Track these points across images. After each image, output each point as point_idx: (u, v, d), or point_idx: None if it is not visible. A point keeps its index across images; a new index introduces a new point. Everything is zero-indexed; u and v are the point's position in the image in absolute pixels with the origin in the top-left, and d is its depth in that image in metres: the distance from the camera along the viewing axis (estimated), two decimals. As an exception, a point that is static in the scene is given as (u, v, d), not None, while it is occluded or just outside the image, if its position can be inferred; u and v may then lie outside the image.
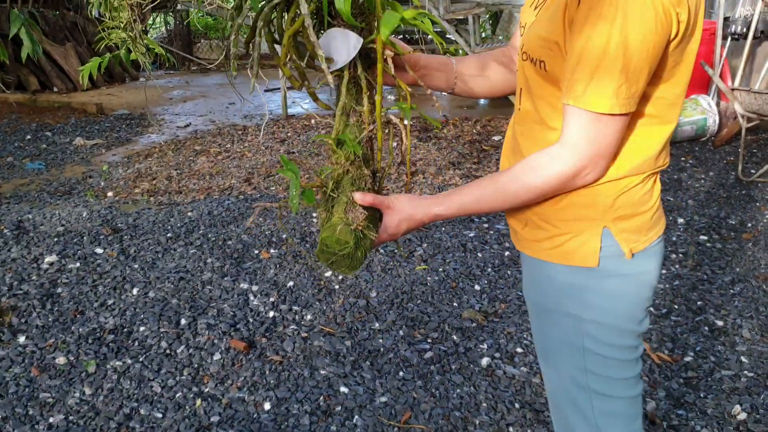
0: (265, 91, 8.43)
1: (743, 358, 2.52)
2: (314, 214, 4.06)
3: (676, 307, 2.93)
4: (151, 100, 7.69)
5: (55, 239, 3.76)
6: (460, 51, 8.18)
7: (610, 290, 1.16)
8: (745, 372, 2.43)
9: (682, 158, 5.02)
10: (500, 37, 9.87)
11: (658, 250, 1.20)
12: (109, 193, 4.60)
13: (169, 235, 3.79)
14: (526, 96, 1.19)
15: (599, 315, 1.17)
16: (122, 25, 3.73)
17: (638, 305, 1.18)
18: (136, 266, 3.40)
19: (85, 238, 3.76)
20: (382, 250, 3.52)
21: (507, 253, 3.50)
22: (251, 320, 2.86)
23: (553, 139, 1.13)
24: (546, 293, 1.22)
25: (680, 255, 3.44)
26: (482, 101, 7.56)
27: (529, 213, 1.20)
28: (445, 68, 1.41)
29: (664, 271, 3.27)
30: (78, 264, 3.43)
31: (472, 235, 3.73)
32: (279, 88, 7.47)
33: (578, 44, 1.01)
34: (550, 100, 1.13)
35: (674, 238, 3.63)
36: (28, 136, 6.12)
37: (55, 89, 8.08)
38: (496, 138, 5.79)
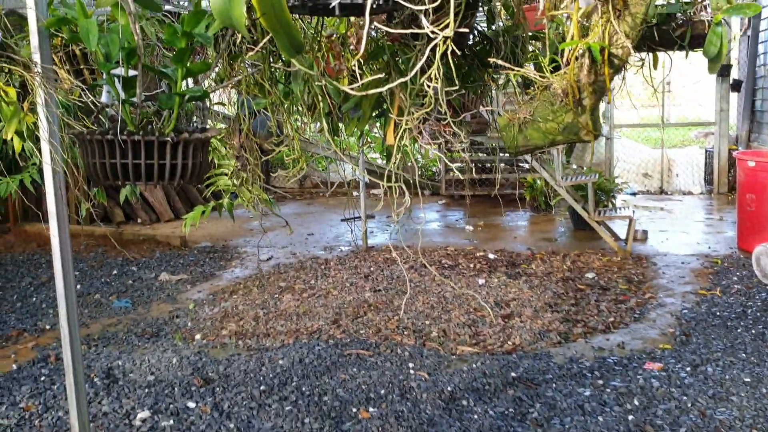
0: (342, 220, 8.46)
1: None
2: (411, 365, 3.84)
3: None
4: (232, 231, 7.79)
5: (146, 390, 3.62)
6: (538, 181, 8.10)
7: None
8: None
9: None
10: (573, 166, 9.83)
11: None
12: (197, 336, 4.51)
13: (262, 387, 3.61)
14: None
15: None
16: (229, 173, 3.72)
17: None
18: (232, 425, 3.21)
19: (176, 389, 3.62)
20: (491, 412, 3.25)
21: (631, 417, 3.18)
22: (360, 498, 2.60)
23: None
24: None
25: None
26: (561, 231, 7.36)
27: None
28: None
29: None
30: (171, 421, 3.27)
31: (587, 393, 3.43)
32: (358, 218, 7.46)
33: None
34: None
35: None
36: (115, 271, 6.19)
37: (139, 220, 8.29)
38: (589, 276, 5.54)
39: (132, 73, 1.78)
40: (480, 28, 2.72)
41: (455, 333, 4.35)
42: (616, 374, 3.66)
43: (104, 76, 1.79)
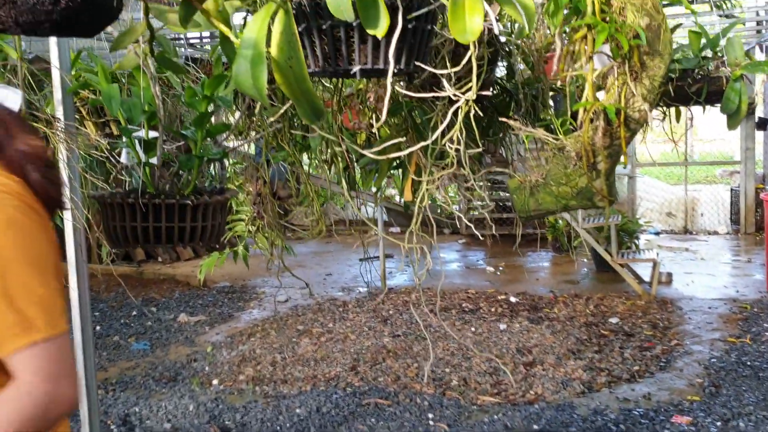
0: (360, 260, 8.42)
1: None
2: (430, 415, 3.77)
3: None
4: (250, 271, 7.77)
5: (162, 439, 3.58)
6: (559, 221, 8.02)
7: None
8: None
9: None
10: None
11: None
12: (215, 381, 4.47)
13: (279, 438, 3.56)
14: None
15: None
16: (246, 219, 3.72)
17: None
18: (248, 479, 3.15)
19: (192, 438, 3.58)
20: (513, 467, 3.16)
21: (658, 475, 3.08)
22: None
23: None
24: None
25: None
26: (583, 272, 7.26)
27: None
28: None
29: None
30: (187, 474, 3.22)
31: (612, 449, 3.33)
32: (377, 257, 7.42)
33: None
34: None
35: None
36: (134, 312, 6.19)
37: (160, 259, 8.33)
38: (613, 320, 5.44)
39: (152, 134, 1.79)
40: (499, 81, 2.71)
41: (476, 382, 4.27)
42: (643, 428, 3.56)
43: (124, 138, 1.79)
